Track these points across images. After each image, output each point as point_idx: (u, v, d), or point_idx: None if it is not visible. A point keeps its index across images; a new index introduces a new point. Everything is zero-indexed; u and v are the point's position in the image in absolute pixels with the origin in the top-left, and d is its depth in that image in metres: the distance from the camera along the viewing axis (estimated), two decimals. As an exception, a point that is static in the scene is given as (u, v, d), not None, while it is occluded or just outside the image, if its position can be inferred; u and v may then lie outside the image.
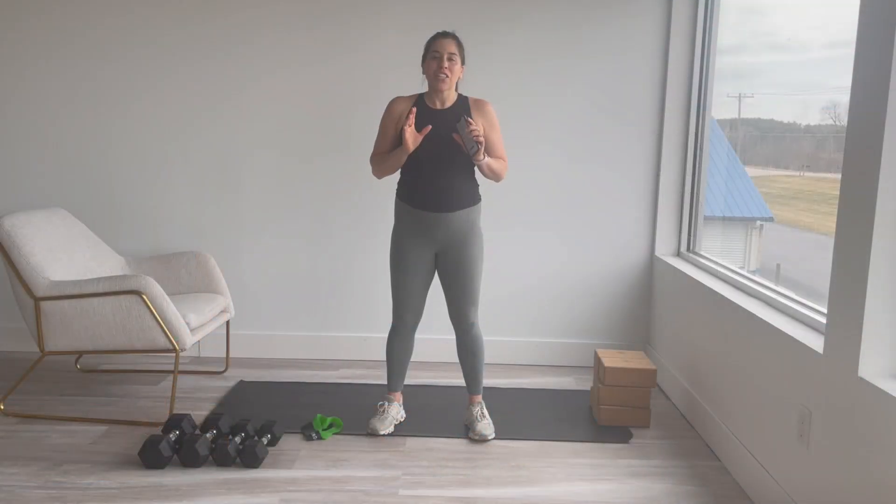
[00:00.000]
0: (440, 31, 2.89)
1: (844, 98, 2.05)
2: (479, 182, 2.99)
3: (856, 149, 1.96)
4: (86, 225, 3.71)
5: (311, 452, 2.86)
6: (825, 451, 2.09)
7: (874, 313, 1.90)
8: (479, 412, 3.07)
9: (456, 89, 2.92)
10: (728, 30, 3.64)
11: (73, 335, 3.08)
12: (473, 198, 2.94)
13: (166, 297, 3.06)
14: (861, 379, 1.90)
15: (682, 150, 3.88)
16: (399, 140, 2.88)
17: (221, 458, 2.68)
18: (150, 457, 2.64)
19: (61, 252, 3.26)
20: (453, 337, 3.18)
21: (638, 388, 3.14)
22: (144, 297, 3.01)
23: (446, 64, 2.80)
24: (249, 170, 3.94)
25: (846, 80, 2.02)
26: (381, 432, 3.00)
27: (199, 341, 4.00)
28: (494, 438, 3.01)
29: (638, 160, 3.92)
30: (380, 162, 2.94)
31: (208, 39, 3.83)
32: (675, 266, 3.61)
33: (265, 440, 2.82)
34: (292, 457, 2.81)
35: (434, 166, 2.85)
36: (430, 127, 2.79)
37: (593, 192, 3.95)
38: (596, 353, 3.32)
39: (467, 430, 3.05)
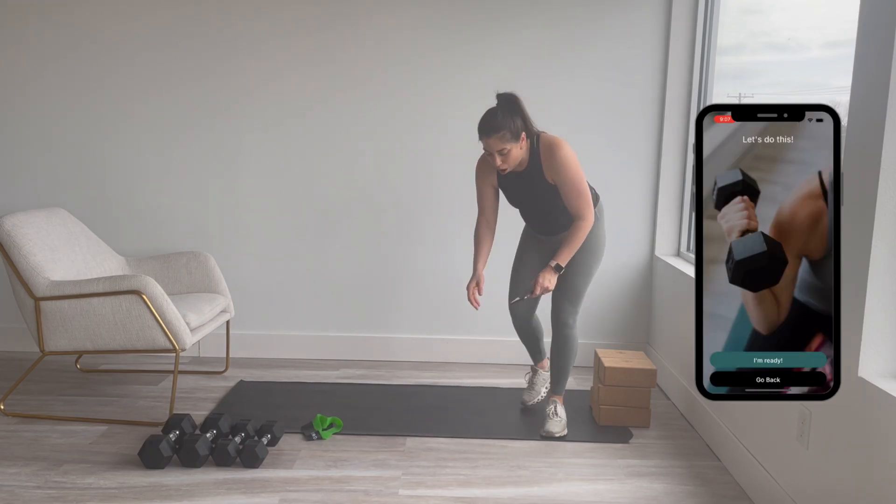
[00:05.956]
0: (483, 120, 2.79)
1: (844, 98, 2.05)
2: (595, 197, 3.03)
3: (856, 149, 1.96)
4: (86, 225, 3.71)
5: (311, 452, 2.86)
6: (825, 451, 2.09)
7: (874, 313, 1.90)
8: (553, 410, 3.08)
9: (530, 135, 2.84)
10: (728, 30, 3.64)
11: (73, 335, 3.08)
12: None
13: (166, 297, 3.06)
14: (861, 379, 1.90)
15: (682, 150, 3.88)
16: (495, 193, 3.05)
17: (221, 458, 2.68)
18: (150, 457, 2.64)
19: (61, 252, 3.25)
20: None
21: (638, 388, 3.14)
22: (144, 297, 3.01)
23: (499, 160, 2.81)
24: (249, 170, 3.94)
25: (846, 80, 2.02)
26: (528, 403, 3.19)
27: (199, 341, 4.00)
28: (494, 438, 3.00)
29: (638, 160, 3.92)
30: (475, 241, 3.09)
31: (207, 41, 3.83)
32: (675, 266, 3.61)
33: (265, 440, 2.81)
34: (292, 457, 2.81)
35: (529, 208, 3.03)
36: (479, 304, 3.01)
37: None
38: (596, 353, 3.32)
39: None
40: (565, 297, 3.03)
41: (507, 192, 3.03)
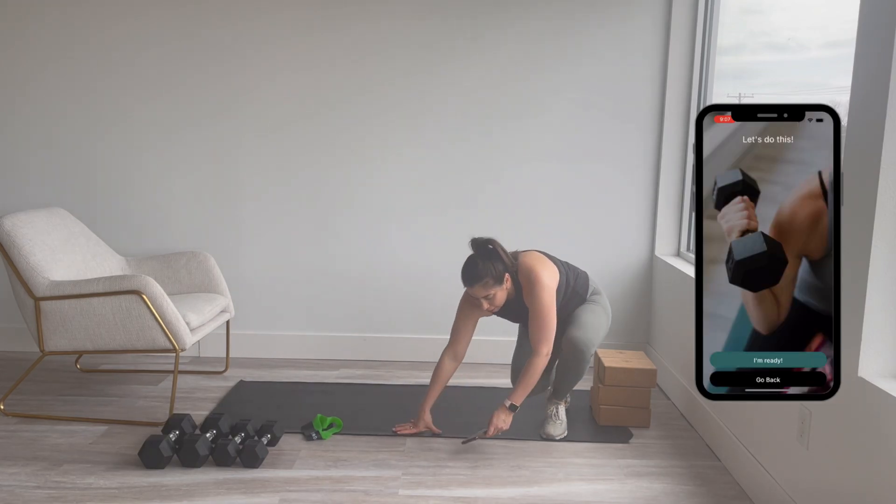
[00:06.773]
0: (464, 270, 2.82)
1: (844, 98, 2.05)
2: (585, 275, 3.08)
3: (856, 149, 1.96)
4: (86, 225, 3.70)
5: (311, 452, 2.86)
6: (825, 451, 2.09)
7: (874, 313, 1.90)
8: (554, 412, 3.08)
9: (512, 272, 2.87)
10: (728, 30, 3.64)
11: (73, 335, 3.08)
12: (580, 298, 3.03)
13: (166, 297, 3.06)
14: (861, 379, 1.91)
15: (682, 150, 3.88)
16: (472, 329, 3.04)
17: (221, 458, 2.68)
18: (150, 457, 2.64)
19: (61, 252, 3.25)
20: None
21: (638, 388, 3.13)
22: (144, 297, 3.01)
23: (486, 304, 2.85)
24: (249, 169, 3.94)
25: (846, 80, 2.02)
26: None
27: (199, 341, 4.00)
28: (494, 438, 3.00)
29: (638, 160, 3.92)
30: (434, 374, 3.05)
31: (207, 42, 3.83)
32: (675, 266, 3.61)
33: (265, 440, 2.82)
34: (292, 457, 2.81)
35: (524, 325, 3.11)
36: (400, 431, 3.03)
37: (593, 193, 3.95)
38: (596, 353, 3.32)
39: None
40: (572, 324, 2.98)
41: (506, 317, 3.06)
